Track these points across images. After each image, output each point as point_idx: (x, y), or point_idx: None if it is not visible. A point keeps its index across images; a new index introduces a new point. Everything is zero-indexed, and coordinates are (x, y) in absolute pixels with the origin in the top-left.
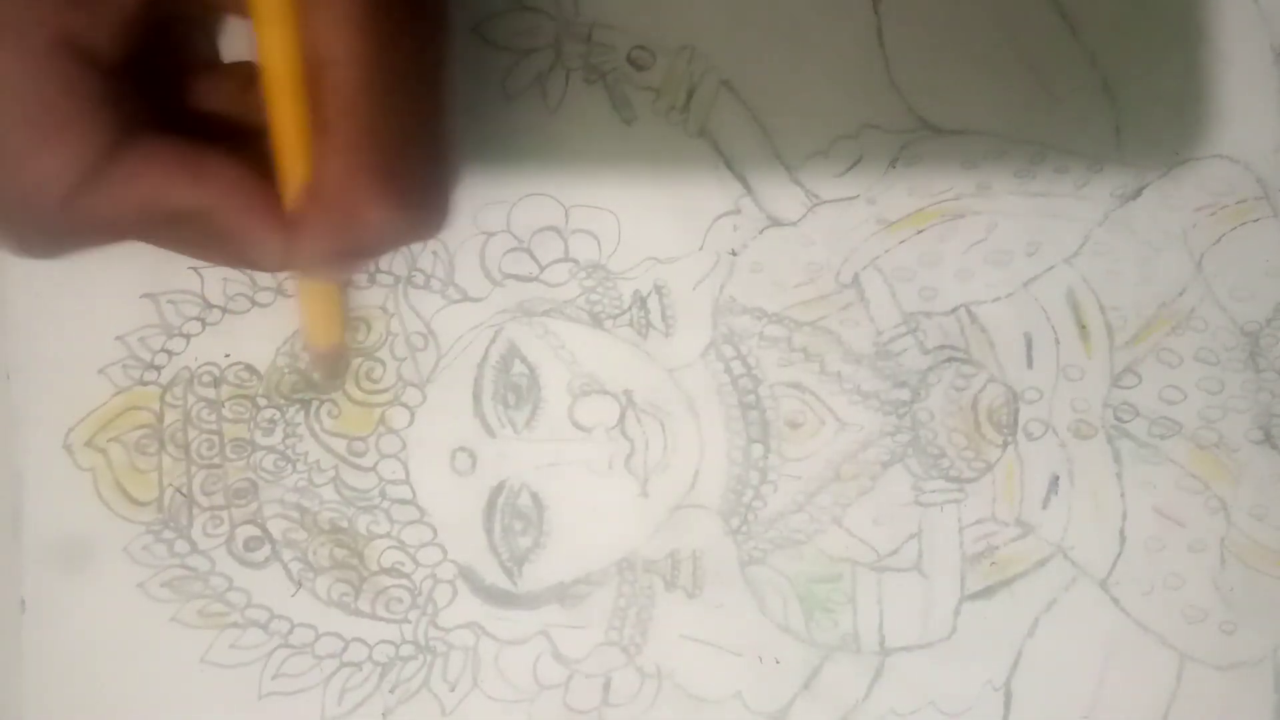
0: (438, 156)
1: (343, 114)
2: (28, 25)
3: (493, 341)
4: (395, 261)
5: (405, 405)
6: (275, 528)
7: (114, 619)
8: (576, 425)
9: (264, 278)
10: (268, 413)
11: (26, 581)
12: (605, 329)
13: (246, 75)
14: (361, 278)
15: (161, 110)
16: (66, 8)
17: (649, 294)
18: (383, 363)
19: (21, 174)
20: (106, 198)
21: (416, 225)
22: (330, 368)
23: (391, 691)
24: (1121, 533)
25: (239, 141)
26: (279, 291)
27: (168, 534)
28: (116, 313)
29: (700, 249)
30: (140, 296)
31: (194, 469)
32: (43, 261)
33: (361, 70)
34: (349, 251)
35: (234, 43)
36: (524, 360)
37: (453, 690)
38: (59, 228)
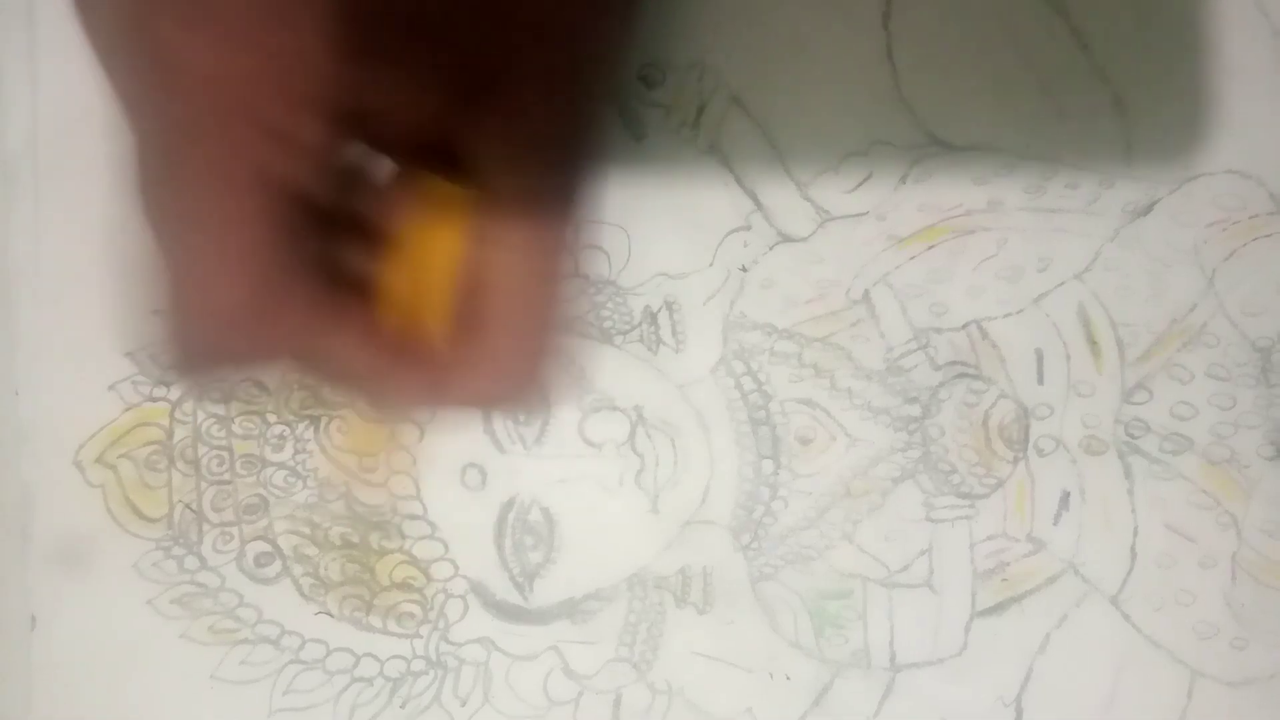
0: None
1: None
2: (229, 156)
3: None
4: None
5: (415, 421)
6: (286, 543)
7: (123, 635)
8: (587, 441)
9: None
10: (277, 429)
11: (36, 598)
12: (615, 345)
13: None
14: None
15: (321, 236)
16: (266, 143)
17: (659, 310)
18: None
19: (200, 294)
20: (261, 328)
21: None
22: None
23: (403, 707)
24: (1132, 549)
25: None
26: None
27: (178, 550)
28: (126, 329)
29: (710, 265)
30: (150, 312)
31: (204, 485)
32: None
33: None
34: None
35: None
36: None
37: (464, 705)
38: (220, 349)
